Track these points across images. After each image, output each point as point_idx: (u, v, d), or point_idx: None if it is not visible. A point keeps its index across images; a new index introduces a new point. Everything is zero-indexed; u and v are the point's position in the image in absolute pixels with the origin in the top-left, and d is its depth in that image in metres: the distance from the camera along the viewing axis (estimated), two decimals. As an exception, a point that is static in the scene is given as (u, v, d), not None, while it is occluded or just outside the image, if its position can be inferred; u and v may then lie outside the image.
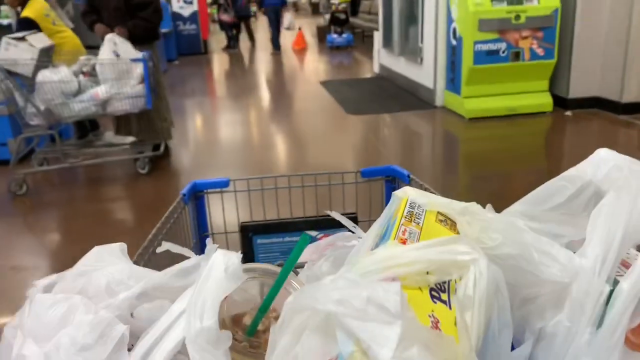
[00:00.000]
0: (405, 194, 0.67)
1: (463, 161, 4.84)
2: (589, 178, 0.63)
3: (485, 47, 5.40)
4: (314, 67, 11.24)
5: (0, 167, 4.40)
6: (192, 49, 12.51)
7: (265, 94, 8.37)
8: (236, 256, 0.65)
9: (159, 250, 0.79)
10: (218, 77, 10.51)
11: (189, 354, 0.56)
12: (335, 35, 12.97)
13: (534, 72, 5.58)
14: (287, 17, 13.35)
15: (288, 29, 13.76)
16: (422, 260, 0.51)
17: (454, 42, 5.74)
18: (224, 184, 1.68)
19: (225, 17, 13.36)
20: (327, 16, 14.55)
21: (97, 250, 0.80)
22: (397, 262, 0.51)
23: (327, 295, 0.44)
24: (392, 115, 6.21)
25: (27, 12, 4.53)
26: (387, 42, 8.13)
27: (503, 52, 5.43)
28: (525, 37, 5.43)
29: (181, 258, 0.80)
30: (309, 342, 0.47)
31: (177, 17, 12.32)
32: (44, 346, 0.62)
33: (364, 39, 14.35)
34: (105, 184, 4.53)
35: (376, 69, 8.94)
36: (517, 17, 5.34)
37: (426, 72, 6.43)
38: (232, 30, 13.44)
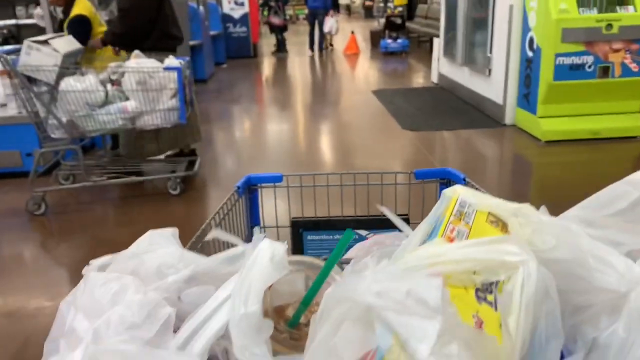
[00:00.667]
0: (456, 192, 0.65)
1: (536, 190, 4.19)
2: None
3: (568, 60, 4.64)
4: (366, 73, 10.51)
5: (24, 179, 3.80)
6: (242, 52, 12.07)
7: (313, 103, 7.77)
8: (282, 246, 0.66)
9: (209, 236, 0.81)
10: (266, 83, 9.89)
11: (232, 338, 0.57)
12: (389, 41, 12.30)
13: (624, 91, 4.82)
14: (329, 22, 12.87)
15: (329, 33, 13.09)
16: (468, 258, 0.49)
17: (529, 54, 5.01)
18: (278, 178, 1.70)
19: (275, 20, 12.88)
20: (382, 20, 13.93)
21: (150, 234, 0.83)
22: (442, 260, 0.50)
23: (367, 287, 0.44)
24: (454, 132, 5.54)
25: (80, 10, 4.22)
26: (449, 50, 7.44)
27: (589, 66, 4.67)
28: (617, 50, 4.67)
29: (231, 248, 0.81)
30: (347, 333, 0.47)
31: (227, 18, 11.93)
32: (94, 322, 0.65)
33: (419, 45, 13.81)
34: (134, 205, 3.94)
35: (435, 78, 8.20)
36: (609, 26, 4.60)
37: (495, 85, 5.77)
38: (281, 34, 12.96)
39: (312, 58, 12.68)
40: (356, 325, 0.46)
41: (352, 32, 13.22)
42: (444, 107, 6.57)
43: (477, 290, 0.51)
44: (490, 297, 0.50)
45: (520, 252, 0.49)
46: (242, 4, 12.04)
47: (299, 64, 12.03)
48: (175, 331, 0.66)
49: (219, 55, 10.78)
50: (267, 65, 11.92)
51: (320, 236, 1.70)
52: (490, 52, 5.84)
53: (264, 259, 0.62)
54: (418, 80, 9.09)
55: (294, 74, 10.82)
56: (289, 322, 0.74)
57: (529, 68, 5.06)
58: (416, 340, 0.40)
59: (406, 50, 12.26)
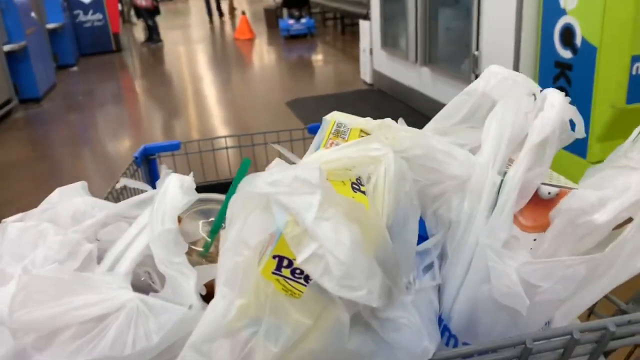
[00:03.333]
0: (333, 116, 0.77)
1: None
2: (482, 90, 0.75)
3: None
4: (271, 70, 8.03)
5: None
6: (99, 46, 9.52)
7: (203, 124, 5.48)
8: (189, 176, 0.75)
9: (118, 185, 0.87)
10: (132, 93, 7.26)
11: (153, 253, 0.66)
12: (291, 21, 9.89)
13: None
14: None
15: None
16: (342, 157, 0.62)
17: (566, 54, 2.86)
18: (175, 146, 1.75)
19: (142, 1, 10.52)
20: None
21: (59, 190, 0.88)
22: (322, 160, 0.62)
23: (262, 180, 0.54)
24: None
25: None
26: (391, 40, 5.40)
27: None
28: None
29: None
30: (252, 224, 0.58)
31: (74, 4, 9.22)
32: (20, 264, 0.70)
33: (324, 23, 11.36)
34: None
35: (367, 76, 6.11)
36: None
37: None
38: (152, 18, 10.45)
39: (195, 48, 10.25)
40: (258, 215, 0.56)
41: (243, 13, 10.99)
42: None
43: (352, 183, 0.63)
44: (363, 188, 0.63)
45: (381, 147, 0.62)
46: (94, -15, 9.20)
47: (177, 58, 9.47)
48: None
49: (64, 55, 8.33)
50: (135, 63, 9.37)
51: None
52: (477, 49, 3.78)
53: (175, 187, 0.70)
54: (343, 79, 6.85)
55: (172, 74, 8.15)
56: (201, 252, 0.83)
57: (564, 78, 2.91)
58: (304, 211, 0.51)
59: (312, 32, 10.04)
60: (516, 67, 3.21)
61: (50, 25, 7.74)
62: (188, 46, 10.58)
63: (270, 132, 2.01)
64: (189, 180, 0.73)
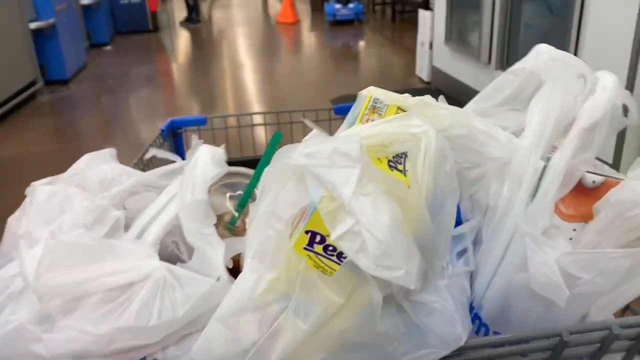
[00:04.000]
0: (370, 92, 0.75)
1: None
2: (529, 69, 0.71)
3: None
4: (312, 60, 7.15)
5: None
6: (136, 25, 8.71)
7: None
8: (221, 148, 0.73)
9: (148, 155, 0.86)
10: (166, 78, 6.50)
11: (182, 223, 0.64)
12: (338, 6, 8.79)
13: None
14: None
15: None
16: (379, 133, 0.59)
17: None
18: (202, 121, 1.74)
19: None
20: None
21: (87, 155, 0.87)
22: (360, 136, 0.59)
23: (299, 152, 0.52)
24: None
25: None
26: (456, 34, 4.58)
27: None
28: None
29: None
30: (285, 197, 0.56)
31: None
32: (47, 228, 0.70)
33: (373, 9, 10.34)
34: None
35: (424, 73, 5.30)
36: None
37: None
38: None
39: (234, 31, 9.32)
40: (292, 188, 0.54)
41: None
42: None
43: (389, 161, 0.60)
44: (400, 167, 0.60)
45: (422, 124, 0.59)
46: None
47: (215, 41, 8.64)
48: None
49: (98, 33, 7.73)
50: (171, 45, 8.61)
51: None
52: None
53: (206, 158, 0.69)
54: (396, 74, 6.09)
55: (209, 60, 7.16)
56: (228, 223, 0.82)
57: None
58: (341, 185, 0.49)
59: (360, 18, 8.94)
60: (630, 86, 2.64)
61: (85, 1, 7.22)
62: (228, 28, 9.64)
63: (296, 111, 1.99)
64: (220, 152, 0.71)
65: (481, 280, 0.71)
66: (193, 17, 9.67)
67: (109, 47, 7.82)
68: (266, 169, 0.58)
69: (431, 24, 5.02)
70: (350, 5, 8.85)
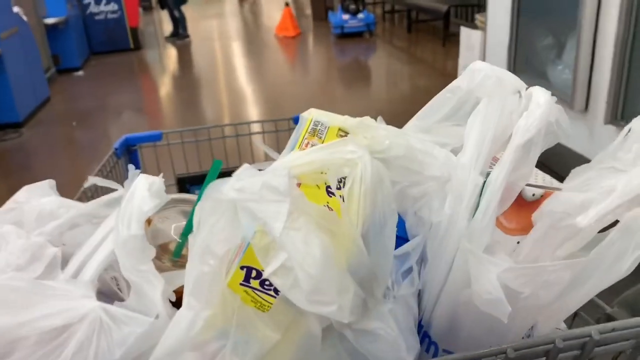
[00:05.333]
0: (310, 114, 0.74)
1: None
2: (466, 87, 0.72)
3: None
4: (320, 86, 5.86)
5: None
6: (113, 43, 7.77)
7: None
8: (159, 178, 0.71)
9: (86, 184, 0.83)
10: (147, 114, 5.32)
11: (118, 260, 0.62)
12: (346, 16, 7.55)
13: None
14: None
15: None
16: (316, 160, 0.58)
17: None
18: (157, 137, 1.71)
19: None
20: None
21: (26, 188, 0.84)
22: (294, 164, 0.58)
23: (230, 186, 0.51)
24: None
25: None
26: (529, 67, 3.39)
27: None
28: None
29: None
30: (220, 233, 0.54)
31: None
32: (-21, 270, 0.67)
33: (384, 18, 9.12)
34: None
35: None
36: None
37: None
38: (178, 8, 8.47)
39: (228, 48, 8.00)
40: (226, 223, 0.53)
41: (287, 4, 8.53)
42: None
43: (327, 187, 0.60)
44: (338, 193, 0.60)
45: (357, 150, 0.58)
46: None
47: (206, 61, 7.36)
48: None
49: (67, 56, 6.65)
50: (154, 66, 7.41)
51: (207, 188, 1.76)
52: None
53: (142, 190, 0.67)
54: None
55: (200, 85, 6.11)
56: (173, 254, 0.80)
57: None
58: (272, 221, 0.48)
59: (372, 29, 7.78)
60: None
61: (49, 20, 6.26)
62: (220, 44, 8.48)
63: (254, 122, 1.97)
64: (158, 182, 0.69)
65: (428, 298, 0.72)
66: (180, 32, 8.60)
67: (80, 73, 6.76)
68: (199, 203, 0.57)
69: (482, 47, 3.79)
70: (360, 15, 7.57)
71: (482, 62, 0.72)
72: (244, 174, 0.53)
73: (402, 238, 0.74)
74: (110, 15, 7.71)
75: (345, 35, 7.69)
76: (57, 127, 4.82)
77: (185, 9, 8.52)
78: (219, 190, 0.52)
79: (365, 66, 6.64)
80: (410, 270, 0.70)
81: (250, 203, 0.50)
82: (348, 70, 6.49)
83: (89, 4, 7.61)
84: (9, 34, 4.74)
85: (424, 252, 0.72)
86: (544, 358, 0.66)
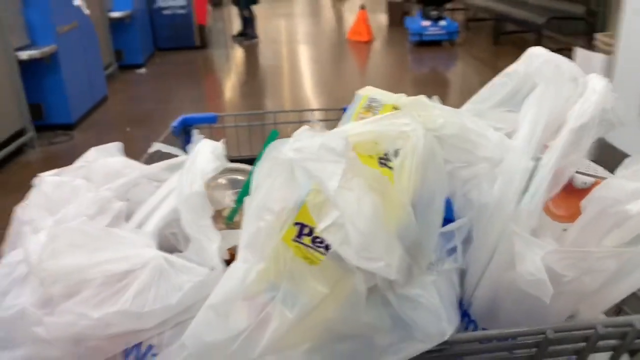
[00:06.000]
0: (366, 91, 0.77)
1: None
2: (523, 72, 0.73)
3: None
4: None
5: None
6: (179, 40, 7.33)
7: None
8: (220, 142, 0.75)
9: (150, 150, 0.89)
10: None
11: (180, 214, 0.67)
12: (425, 23, 6.81)
13: None
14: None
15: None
16: (370, 130, 0.61)
17: None
18: (212, 119, 1.77)
19: None
20: None
21: (94, 149, 0.90)
22: (349, 134, 0.61)
23: (289, 146, 0.54)
24: None
25: None
26: None
27: None
28: None
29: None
30: (276, 191, 0.58)
31: None
32: (52, 217, 0.72)
33: (468, 26, 8.16)
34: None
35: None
36: None
37: None
38: (248, 7, 7.95)
39: (296, 52, 7.46)
40: (283, 182, 0.57)
41: (363, 7, 7.67)
42: None
43: (379, 158, 0.62)
44: (390, 164, 0.62)
45: (411, 122, 0.60)
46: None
47: (272, 65, 6.84)
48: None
49: (131, 52, 6.27)
50: (223, 66, 7.03)
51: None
52: None
53: (206, 152, 0.71)
54: None
55: (263, 91, 5.83)
56: (227, 218, 0.84)
57: None
58: (327, 180, 0.51)
59: (453, 38, 6.99)
60: None
61: (115, 14, 5.90)
62: (289, 48, 7.91)
63: (305, 110, 2.01)
64: (219, 147, 0.73)
65: (471, 278, 0.73)
66: (248, 32, 8.09)
67: (142, 70, 6.32)
68: (258, 163, 0.60)
69: (606, 73, 2.92)
70: (442, 23, 6.79)
71: (539, 48, 0.73)
72: (303, 135, 0.56)
73: (449, 220, 0.76)
74: (178, 11, 7.29)
75: (423, 43, 6.92)
76: (110, 132, 4.43)
77: (255, 7, 8.17)
78: (278, 150, 0.55)
79: (445, 79, 6.13)
80: (454, 249, 0.72)
81: (308, 162, 0.53)
82: (425, 83, 5.87)
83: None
84: (68, 28, 4.42)
85: (470, 233, 0.74)
86: (584, 343, 0.66)
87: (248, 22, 8.04)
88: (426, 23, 6.82)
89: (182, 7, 7.25)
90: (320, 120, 1.84)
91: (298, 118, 1.83)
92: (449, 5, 7.55)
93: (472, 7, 8.06)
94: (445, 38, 6.93)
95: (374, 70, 6.84)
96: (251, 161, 1.88)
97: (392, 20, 8.62)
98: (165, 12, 7.27)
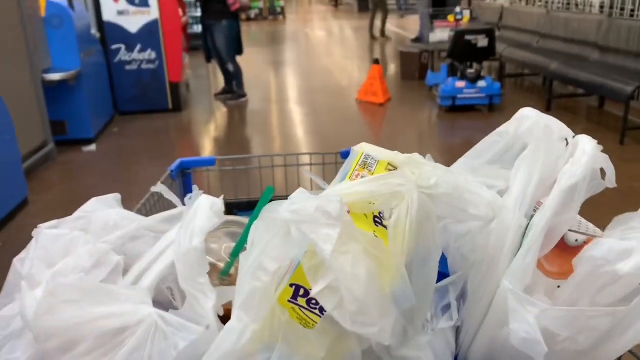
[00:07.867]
0: (361, 147, 0.78)
1: None
2: (514, 132, 0.75)
3: None
4: None
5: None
6: (147, 102, 5.89)
7: None
8: (219, 199, 0.76)
9: (152, 189, 0.90)
10: None
11: (177, 271, 0.67)
12: (460, 83, 5.45)
13: None
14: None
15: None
16: (365, 190, 0.62)
17: None
18: (210, 162, 1.79)
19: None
20: (444, 34, 6.44)
21: (93, 200, 0.91)
22: (345, 192, 0.62)
23: (285, 207, 0.55)
24: None
25: None
26: None
27: None
28: None
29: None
30: (272, 250, 0.59)
31: (113, 34, 5.70)
32: (49, 270, 0.73)
33: (502, 83, 6.15)
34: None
35: None
36: None
37: None
38: (231, 60, 6.38)
39: (294, 116, 5.90)
40: (278, 242, 0.57)
41: (377, 61, 6.19)
42: None
43: (374, 217, 0.63)
44: (385, 222, 0.63)
45: (405, 183, 0.62)
46: (145, 3, 5.61)
47: (265, 137, 5.30)
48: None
49: (77, 122, 4.77)
50: (194, 142, 5.31)
51: (253, 215, 1.82)
52: None
53: (205, 207, 0.72)
54: None
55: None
56: (221, 272, 0.85)
57: None
58: (323, 243, 0.52)
59: (495, 102, 5.51)
60: None
61: (52, 76, 4.46)
62: (284, 108, 6.40)
63: (303, 153, 2.03)
64: (218, 203, 0.74)
65: (466, 334, 0.73)
66: (234, 90, 6.51)
67: (92, 147, 4.80)
68: (254, 222, 0.61)
69: None
70: (481, 84, 5.43)
71: (530, 109, 0.75)
72: (299, 197, 0.57)
73: (443, 274, 0.77)
74: (145, 65, 5.82)
75: (455, 108, 5.52)
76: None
77: (239, 57, 6.49)
78: (274, 211, 0.56)
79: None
80: (449, 305, 0.72)
81: (303, 224, 0.54)
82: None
83: (119, 49, 5.76)
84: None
85: (464, 289, 0.74)
86: None
87: (233, 77, 6.48)
88: (461, 83, 5.47)
89: (150, 61, 5.81)
90: (315, 164, 1.86)
91: (295, 161, 1.86)
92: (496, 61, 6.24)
93: (509, 60, 6.43)
94: (485, 102, 5.52)
95: (399, 146, 5.44)
96: (248, 204, 1.88)
97: (405, 73, 7.28)
98: (129, 67, 5.80)
